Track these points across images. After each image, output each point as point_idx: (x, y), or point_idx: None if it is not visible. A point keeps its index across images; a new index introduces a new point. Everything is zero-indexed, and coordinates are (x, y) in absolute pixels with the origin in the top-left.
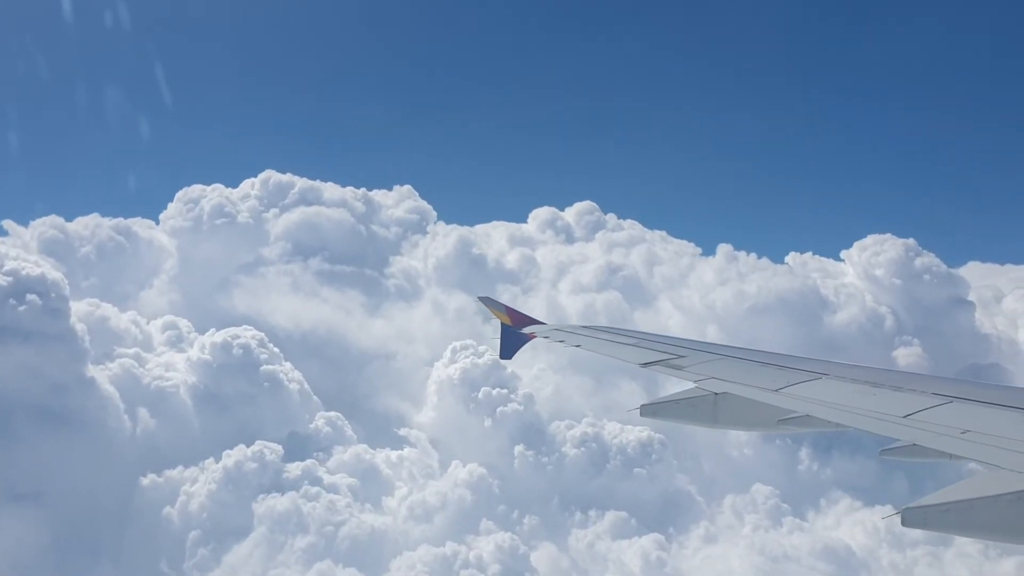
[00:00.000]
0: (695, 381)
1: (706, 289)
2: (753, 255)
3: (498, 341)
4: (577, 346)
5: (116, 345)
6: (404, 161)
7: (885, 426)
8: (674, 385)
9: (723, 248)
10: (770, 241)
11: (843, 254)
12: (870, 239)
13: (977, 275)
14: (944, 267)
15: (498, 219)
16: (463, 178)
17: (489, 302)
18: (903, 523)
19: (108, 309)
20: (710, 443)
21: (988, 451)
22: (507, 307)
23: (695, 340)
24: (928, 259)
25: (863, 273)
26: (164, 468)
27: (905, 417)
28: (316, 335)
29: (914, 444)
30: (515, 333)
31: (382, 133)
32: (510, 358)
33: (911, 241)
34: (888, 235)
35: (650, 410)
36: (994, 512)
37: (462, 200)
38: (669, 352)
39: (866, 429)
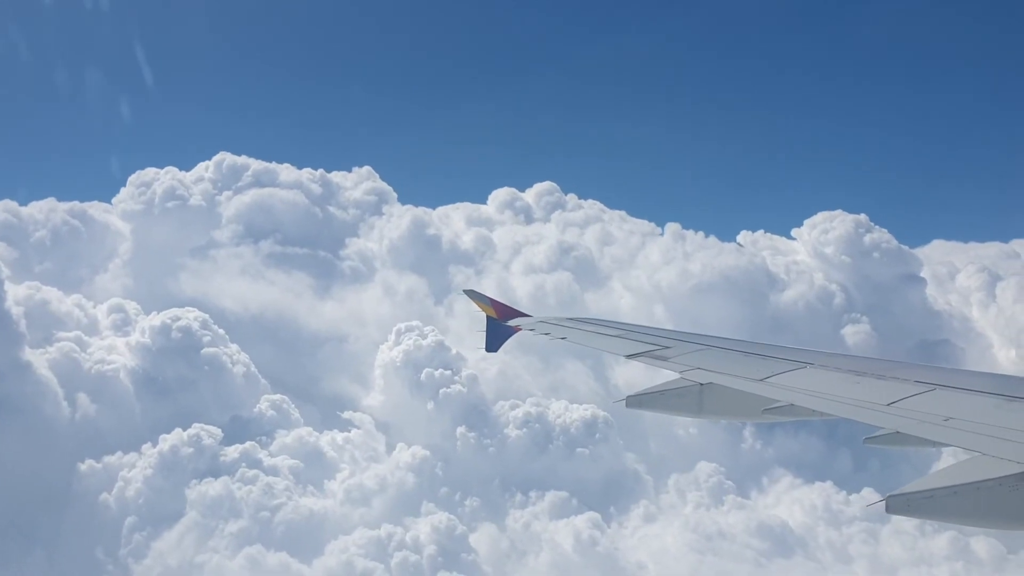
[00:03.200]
0: (680, 372)
1: (654, 269)
2: (701, 234)
3: (482, 334)
4: (563, 338)
5: (57, 329)
6: (370, 143)
7: (869, 414)
8: (618, 362)
9: (671, 227)
10: (737, 220)
11: (794, 232)
12: (820, 216)
13: (940, 253)
14: (895, 243)
15: (463, 201)
16: (428, 160)
17: (475, 295)
18: (887, 510)
19: (50, 292)
20: (657, 421)
21: (970, 438)
22: (492, 300)
23: (680, 331)
24: (879, 235)
25: (813, 251)
26: (103, 454)
27: (888, 405)
28: (267, 318)
29: (897, 432)
30: (501, 326)
31: (348, 115)
32: (496, 351)
33: (862, 217)
34: (839, 211)
35: (636, 401)
36: (977, 498)
37: (426, 182)
38: (654, 343)
39: (850, 417)
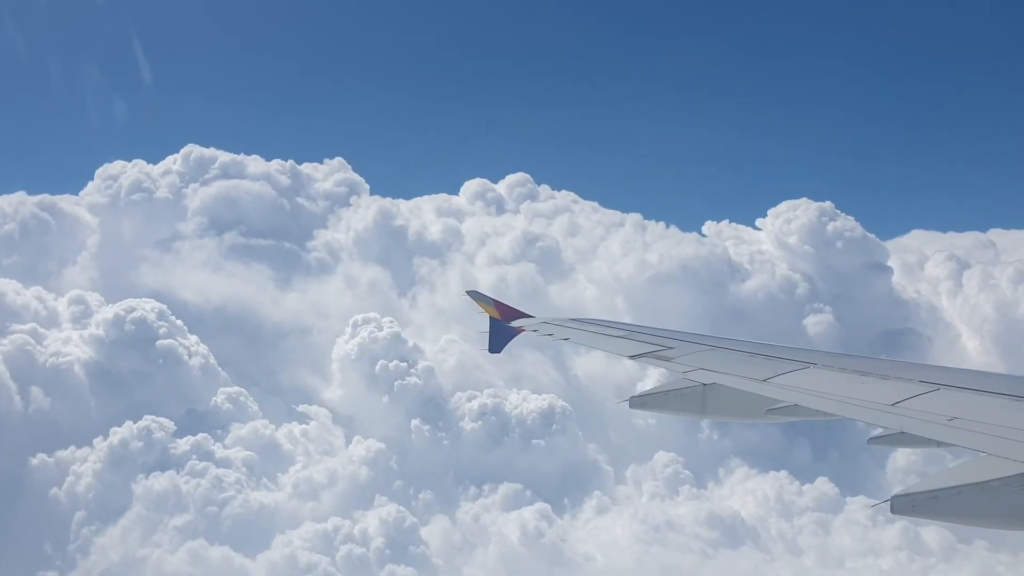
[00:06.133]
0: (684, 372)
1: (614, 260)
2: (662, 224)
3: (480, 334)
4: (566, 339)
5: (12, 321)
6: (347, 136)
7: (873, 414)
8: (578, 353)
9: (632, 218)
10: (713, 210)
11: (759, 222)
12: (784, 205)
13: (919, 242)
14: (861, 231)
15: (440, 192)
16: (405, 153)
17: (477, 296)
18: (892, 510)
19: (7, 284)
20: (616, 411)
21: (975, 438)
22: (495, 301)
23: (683, 331)
24: (844, 223)
25: (776, 240)
26: (56, 448)
27: (893, 405)
28: (230, 310)
29: (902, 432)
30: (503, 327)
31: (326, 108)
32: (499, 351)
33: (827, 205)
34: (803, 200)
35: (639, 402)
36: (982, 498)
37: (402, 174)
38: (657, 344)
39: (854, 417)
